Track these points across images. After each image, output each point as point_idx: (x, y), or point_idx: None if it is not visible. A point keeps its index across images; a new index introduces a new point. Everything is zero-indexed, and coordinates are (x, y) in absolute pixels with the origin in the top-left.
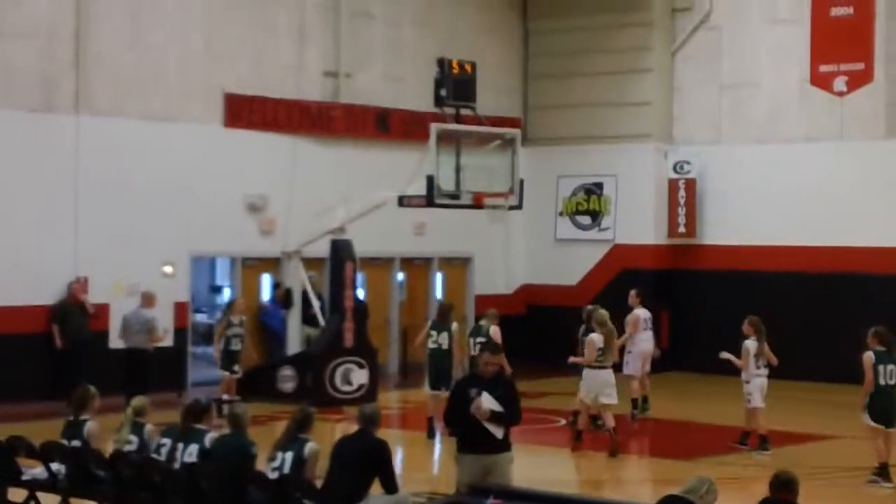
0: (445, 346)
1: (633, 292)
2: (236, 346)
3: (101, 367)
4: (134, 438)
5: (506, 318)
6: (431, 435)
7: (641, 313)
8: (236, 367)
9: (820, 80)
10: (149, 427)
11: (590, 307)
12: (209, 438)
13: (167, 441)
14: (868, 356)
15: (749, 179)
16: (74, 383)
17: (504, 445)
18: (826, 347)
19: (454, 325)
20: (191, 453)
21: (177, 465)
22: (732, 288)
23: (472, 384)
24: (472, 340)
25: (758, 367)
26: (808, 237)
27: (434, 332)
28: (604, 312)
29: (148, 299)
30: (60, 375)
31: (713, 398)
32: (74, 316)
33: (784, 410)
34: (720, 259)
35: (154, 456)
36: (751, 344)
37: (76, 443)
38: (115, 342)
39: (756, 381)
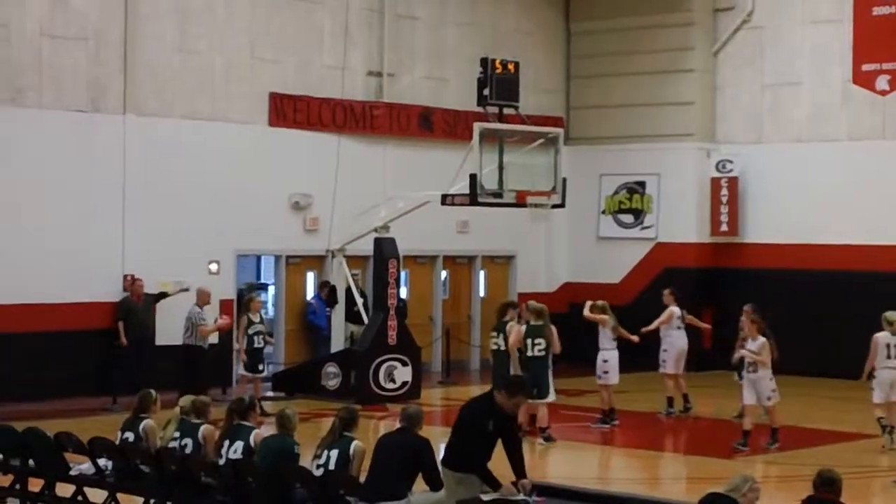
0: (503, 347)
1: (666, 291)
2: (259, 343)
3: (148, 363)
4: (180, 435)
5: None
6: None
7: (675, 310)
8: (261, 367)
9: (862, 80)
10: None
11: (534, 303)
12: (254, 435)
13: (187, 441)
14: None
15: (791, 178)
16: (135, 380)
17: None
18: (868, 346)
19: (509, 325)
20: (236, 450)
21: (222, 462)
22: (775, 286)
23: (489, 417)
24: (528, 342)
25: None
26: (851, 236)
27: (494, 333)
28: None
29: (200, 296)
30: (121, 372)
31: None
32: (136, 313)
33: (828, 409)
34: (763, 257)
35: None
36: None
37: (129, 434)
38: (161, 339)
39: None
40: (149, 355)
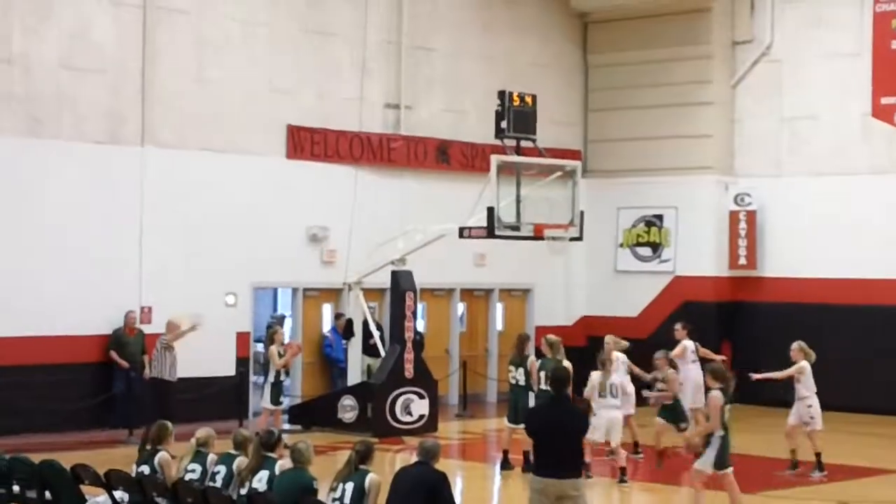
0: (522, 382)
1: (678, 325)
2: (283, 376)
3: (137, 397)
4: (197, 467)
5: (566, 350)
6: (505, 466)
7: (688, 344)
8: (282, 399)
9: (881, 113)
10: (211, 457)
11: (552, 336)
12: (278, 467)
13: (221, 468)
14: None
15: (810, 212)
16: (133, 414)
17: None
18: (887, 380)
19: (530, 360)
20: (260, 479)
21: (244, 492)
22: (793, 320)
23: None
24: (541, 374)
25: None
26: (870, 270)
27: (512, 368)
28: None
29: (168, 328)
30: (120, 405)
31: (772, 430)
32: (127, 346)
33: (848, 443)
34: (781, 291)
35: (210, 484)
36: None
37: (144, 468)
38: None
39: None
40: (138, 389)
